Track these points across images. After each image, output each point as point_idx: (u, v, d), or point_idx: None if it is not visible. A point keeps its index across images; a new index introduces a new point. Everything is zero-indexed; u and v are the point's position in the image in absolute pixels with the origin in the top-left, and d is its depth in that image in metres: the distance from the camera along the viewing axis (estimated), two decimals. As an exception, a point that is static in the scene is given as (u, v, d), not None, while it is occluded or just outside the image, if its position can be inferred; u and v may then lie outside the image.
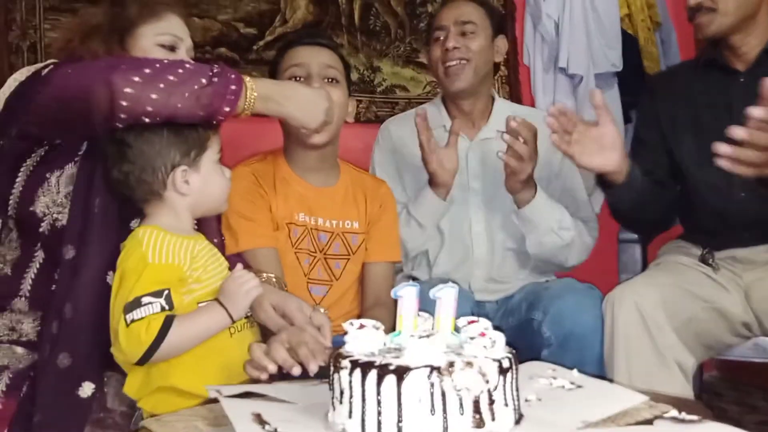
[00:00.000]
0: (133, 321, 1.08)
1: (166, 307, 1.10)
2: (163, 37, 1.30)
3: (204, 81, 1.15)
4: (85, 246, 1.16)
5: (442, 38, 1.76)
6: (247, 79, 1.20)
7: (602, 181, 1.57)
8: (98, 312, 1.14)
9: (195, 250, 1.19)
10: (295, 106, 1.26)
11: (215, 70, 1.17)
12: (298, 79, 1.54)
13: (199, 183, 1.20)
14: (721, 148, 1.23)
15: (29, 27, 2.28)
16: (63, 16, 2.32)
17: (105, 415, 1.13)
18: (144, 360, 1.10)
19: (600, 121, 1.48)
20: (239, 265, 1.21)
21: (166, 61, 1.18)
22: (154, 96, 1.11)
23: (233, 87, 1.17)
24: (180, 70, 1.15)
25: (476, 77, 1.75)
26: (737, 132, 1.21)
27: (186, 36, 1.35)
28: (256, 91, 1.20)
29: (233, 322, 1.16)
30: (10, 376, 1.13)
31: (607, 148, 1.48)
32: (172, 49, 1.31)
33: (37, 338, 1.17)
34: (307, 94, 1.30)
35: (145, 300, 1.09)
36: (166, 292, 1.11)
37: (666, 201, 1.68)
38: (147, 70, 1.13)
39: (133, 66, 1.14)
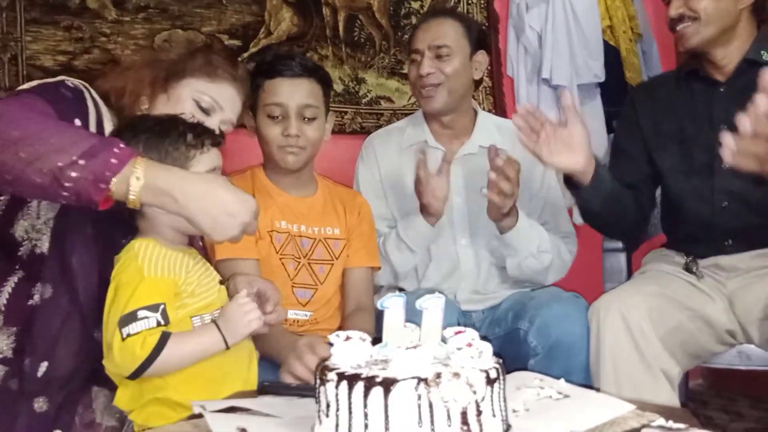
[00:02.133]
0: (129, 335, 1.07)
1: (162, 322, 1.09)
2: (203, 95, 1.28)
3: (73, 157, 0.98)
4: (66, 286, 1.13)
5: (418, 60, 1.75)
6: (139, 165, 1.02)
7: (570, 182, 1.58)
8: (80, 355, 1.12)
9: (189, 265, 1.18)
10: (200, 210, 1.05)
11: (93, 147, 0.99)
12: (276, 118, 1.56)
13: None
14: (726, 138, 1.21)
15: (10, 39, 2.26)
16: (45, 29, 2.31)
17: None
18: (136, 375, 1.09)
19: (568, 121, 1.50)
20: (244, 291, 1.20)
21: (51, 123, 1.03)
22: (10, 164, 0.98)
23: (107, 173, 0.99)
24: (53, 140, 0.99)
25: (451, 97, 1.76)
26: (743, 123, 1.19)
27: (229, 110, 1.31)
28: (145, 179, 1.01)
29: (227, 348, 1.15)
30: None
31: (574, 148, 1.49)
32: (207, 112, 1.29)
33: (12, 356, 1.14)
34: (225, 201, 1.07)
35: (141, 314, 1.08)
36: (162, 306, 1.10)
37: (638, 206, 1.70)
38: (15, 132, 0.99)
39: (10, 123, 1.01)
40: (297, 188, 1.66)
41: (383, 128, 2.00)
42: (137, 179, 1.01)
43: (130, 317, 1.07)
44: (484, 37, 1.88)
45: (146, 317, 1.08)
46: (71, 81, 1.22)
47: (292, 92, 1.56)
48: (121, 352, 1.07)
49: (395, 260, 1.72)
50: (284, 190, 1.65)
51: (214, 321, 1.16)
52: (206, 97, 1.28)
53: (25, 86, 1.19)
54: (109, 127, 1.24)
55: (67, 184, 0.99)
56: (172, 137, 1.16)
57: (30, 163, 0.98)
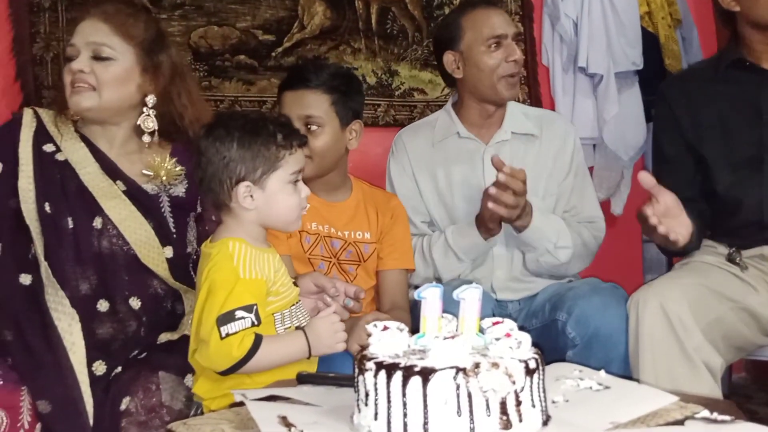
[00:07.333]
0: (228, 334, 1.12)
1: (256, 323, 1.14)
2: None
3: None
4: None
5: (504, 45, 1.72)
6: None
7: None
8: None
9: (276, 265, 1.22)
10: None
11: None
12: None
13: (263, 200, 1.20)
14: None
15: (53, 39, 2.31)
16: (85, 27, 2.36)
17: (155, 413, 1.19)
18: (229, 372, 1.14)
19: (657, 196, 1.43)
20: (334, 306, 1.26)
21: None
22: None
23: None
24: None
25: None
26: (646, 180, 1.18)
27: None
28: None
29: (309, 357, 1.20)
30: None
31: (679, 213, 1.47)
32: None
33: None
34: None
35: (238, 314, 1.13)
36: (255, 307, 1.15)
37: (703, 224, 1.62)
38: None
39: None
40: (328, 193, 1.67)
41: (413, 123, 2.01)
42: None
43: (228, 317, 1.12)
44: None
45: (243, 317, 1.13)
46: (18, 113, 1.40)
47: (293, 105, 1.59)
48: (217, 350, 1.12)
49: (441, 266, 1.73)
50: (316, 193, 1.64)
51: (303, 330, 1.20)
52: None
53: None
54: (50, 148, 1.39)
55: None
56: (263, 137, 1.20)
57: None
